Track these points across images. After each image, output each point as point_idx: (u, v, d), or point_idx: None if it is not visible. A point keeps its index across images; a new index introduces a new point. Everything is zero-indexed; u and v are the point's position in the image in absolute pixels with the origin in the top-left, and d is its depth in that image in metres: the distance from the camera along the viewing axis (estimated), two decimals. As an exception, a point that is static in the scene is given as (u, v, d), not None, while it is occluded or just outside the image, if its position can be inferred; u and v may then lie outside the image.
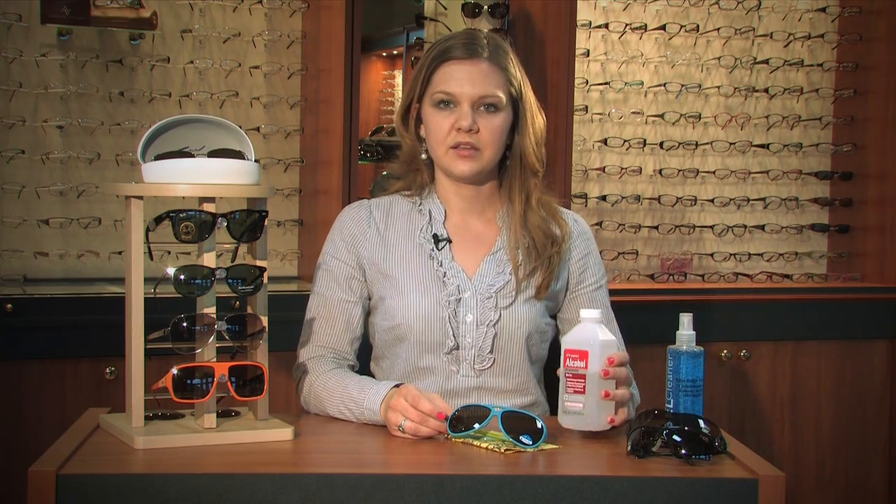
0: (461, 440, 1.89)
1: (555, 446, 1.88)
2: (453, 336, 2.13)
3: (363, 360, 2.31)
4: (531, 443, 1.86)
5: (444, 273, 2.16)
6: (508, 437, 1.87)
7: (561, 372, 1.93)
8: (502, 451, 1.84)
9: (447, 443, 1.88)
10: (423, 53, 2.22)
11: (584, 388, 1.89)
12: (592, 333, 1.91)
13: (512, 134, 2.18)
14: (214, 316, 1.86)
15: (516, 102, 2.17)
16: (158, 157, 1.90)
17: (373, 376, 2.25)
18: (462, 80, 2.12)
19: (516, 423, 1.88)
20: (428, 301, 2.14)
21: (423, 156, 2.22)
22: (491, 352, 2.14)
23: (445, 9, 3.50)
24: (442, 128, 2.13)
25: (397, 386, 1.99)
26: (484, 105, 2.13)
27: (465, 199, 2.22)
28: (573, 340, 1.92)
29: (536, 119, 2.21)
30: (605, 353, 1.91)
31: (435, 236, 2.19)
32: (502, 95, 2.14)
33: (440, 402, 1.91)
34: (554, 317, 2.26)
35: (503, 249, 2.20)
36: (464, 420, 1.90)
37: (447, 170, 2.18)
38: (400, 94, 4.35)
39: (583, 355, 1.90)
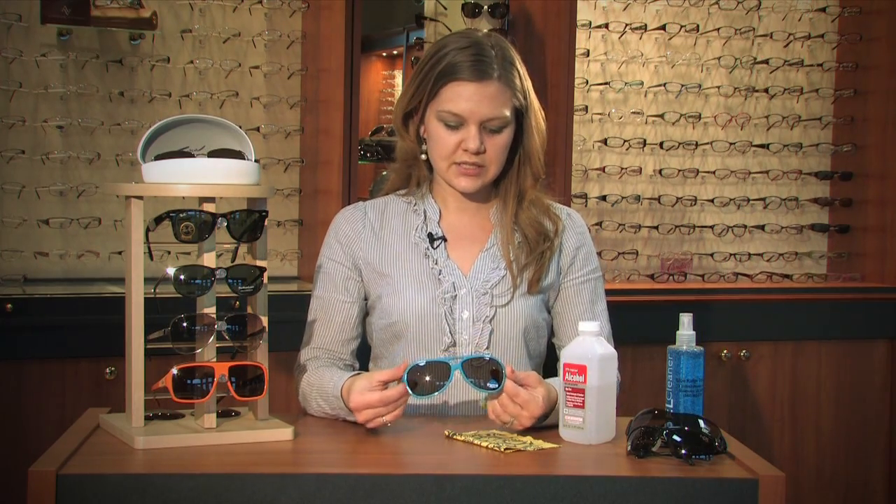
0: (461, 439, 1.90)
1: (555, 445, 1.89)
2: (450, 333, 2.13)
3: (363, 361, 2.31)
4: (497, 386, 1.90)
5: (440, 271, 2.16)
6: (475, 387, 1.91)
7: (560, 385, 1.93)
8: (502, 450, 1.84)
9: (447, 443, 1.88)
10: (427, 54, 2.17)
11: (583, 402, 1.89)
12: (591, 347, 1.90)
13: (514, 140, 2.18)
14: (214, 316, 1.86)
15: (520, 111, 2.17)
16: (158, 157, 1.90)
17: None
18: (471, 100, 2.10)
19: (478, 372, 1.91)
20: (424, 298, 2.14)
21: (423, 156, 2.22)
22: (487, 348, 2.15)
23: (445, 9, 3.50)
24: (447, 144, 2.13)
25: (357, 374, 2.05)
26: (491, 125, 2.12)
27: (461, 198, 2.22)
28: (572, 354, 1.91)
29: (540, 124, 2.21)
30: (604, 367, 1.90)
31: (430, 235, 2.19)
32: (509, 114, 2.13)
33: (383, 376, 1.93)
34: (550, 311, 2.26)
35: (496, 245, 2.20)
36: (425, 383, 1.90)
37: (450, 184, 2.18)
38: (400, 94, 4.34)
39: (581, 370, 1.89)
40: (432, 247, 2.18)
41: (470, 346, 2.14)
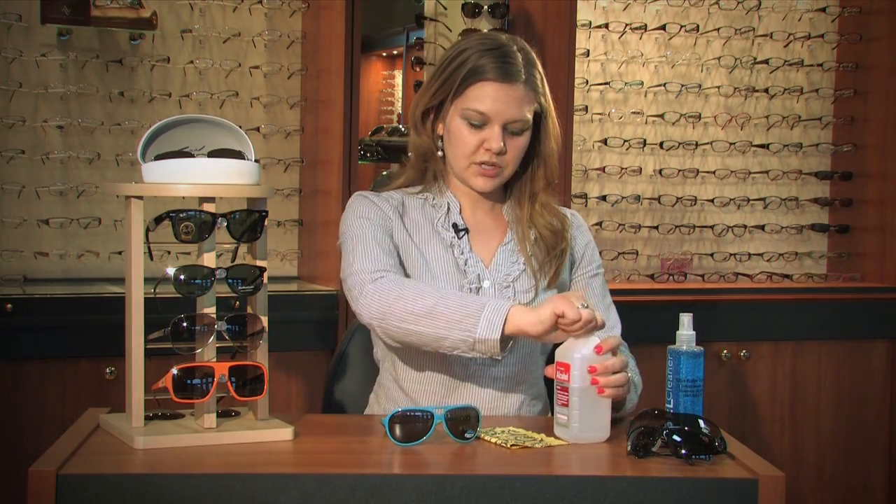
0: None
1: (564, 443, 1.89)
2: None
3: (365, 357, 2.31)
4: (473, 434, 1.89)
5: (465, 261, 2.17)
6: (455, 439, 1.88)
7: (555, 383, 1.93)
8: (508, 446, 1.85)
9: (447, 443, 1.88)
10: (451, 53, 2.17)
11: (567, 401, 1.89)
12: (575, 346, 1.90)
13: (529, 142, 2.19)
14: (214, 316, 1.86)
15: (538, 115, 2.19)
16: (158, 157, 1.90)
17: (379, 361, 2.26)
18: (498, 101, 2.12)
19: (459, 424, 1.89)
20: (450, 287, 2.13)
21: (440, 153, 2.22)
22: None
23: (445, 9, 3.50)
24: (469, 143, 2.14)
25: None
26: (513, 127, 2.14)
27: (477, 195, 2.24)
28: (561, 352, 1.92)
29: (556, 128, 2.24)
30: (586, 367, 1.89)
31: (454, 226, 2.20)
32: (530, 116, 2.16)
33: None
34: None
35: (514, 241, 2.22)
36: (406, 431, 1.86)
37: (466, 182, 2.20)
38: (400, 95, 4.35)
39: (567, 368, 1.89)
40: (458, 237, 2.19)
41: None
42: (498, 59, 2.12)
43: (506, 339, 1.93)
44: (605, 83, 3.67)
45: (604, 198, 3.66)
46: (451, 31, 3.48)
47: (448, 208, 2.22)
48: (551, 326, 1.89)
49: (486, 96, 2.12)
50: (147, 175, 1.87)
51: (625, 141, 3.68)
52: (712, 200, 3.78)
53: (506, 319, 1.91)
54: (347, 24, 3.13)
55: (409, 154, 2.28)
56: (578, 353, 1.89)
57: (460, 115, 2.14)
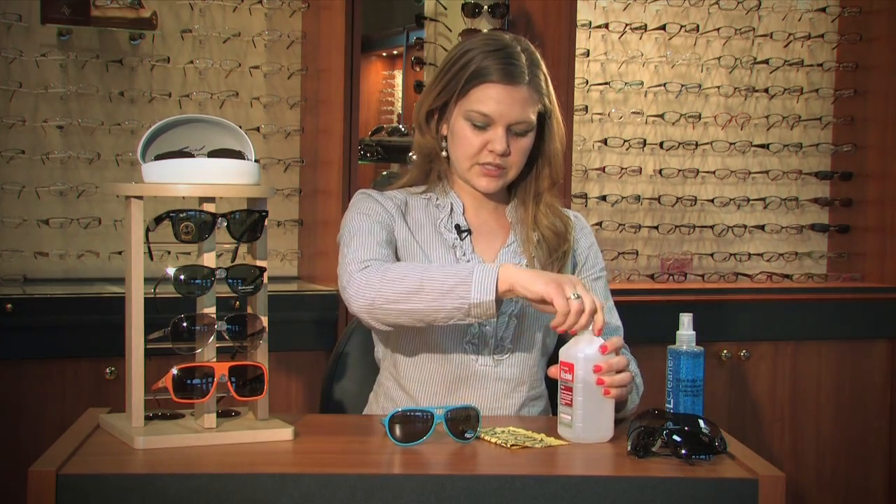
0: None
1: (564, 443, 1.89)
2: (477, 324, 2.13)
3: (367, 343, 2.31)
4: (473, 434, 1.88)
5: (468, 261, 2.16)
6: (455, 438, 1.87)
7: (559, 383, 1.93)
8: (508, 446, 1.85)
9: (447, 443, 1.88)
10: (454, 54, 2.17)
11: (571, 400, 1.89)
12: (579, 346, 1.90)
13: (534, 143, 2.19)
14: (214, 316, 1.86)
15: (543, 115, 2.19)
16: (158, 157, 1.90)
17: (379, 361, 2.26)
18: (502, 103, 2.11)
19: (459, 424, 1.88)
20: None
21: (444, 153, 2.22)
22: (510, 341, 2.15)
23: (445, 9, 3.50)
24: (473, 144, 2.14)
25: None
26: (517, 128, 2.14)
27: (480, 196, 2.24)
28: (564, 351, 1.92)
29: (561, 128, 2.23)
30: (590, 367, 1.89)
31: (457, 227, 2.20)
32: (534, 118, 2.15)
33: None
34: None
35: (516, 242, 2.22)
36: (406, 431, 1.86)
37: (469, 183, 2.20)
38: (400, 95, 4.35)
39: (570, 368, 1.89)
40: (460, 238, 2.19)
41: (493, 339, 2.14)
42: (502, 61, 2.11)
43: (498, 301, 1.95)
44: (605, 83, 3.67)
45: (604, 198, 3.66)
46: (451, 31, 3.48)
47: (451, 209, 2.22)
48: (536, 300, 1.91)
49: (489, 98, 2.11)
50: (147, 175, 1.86)
51: (625, 141, 3.68)
52: (712, 200, 3.78)
53: (497, 279, 1.93)
54: (347, 24, 3.13)
55: (413, 154, 2.28)
56: (582, 353, 1.89)
57: (464, 117, 2.14)
